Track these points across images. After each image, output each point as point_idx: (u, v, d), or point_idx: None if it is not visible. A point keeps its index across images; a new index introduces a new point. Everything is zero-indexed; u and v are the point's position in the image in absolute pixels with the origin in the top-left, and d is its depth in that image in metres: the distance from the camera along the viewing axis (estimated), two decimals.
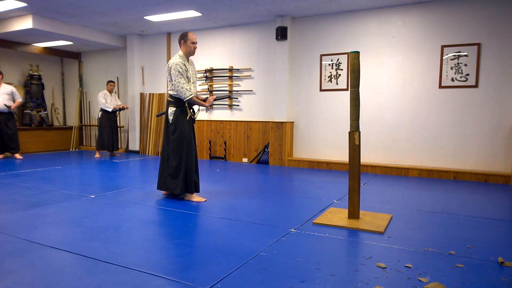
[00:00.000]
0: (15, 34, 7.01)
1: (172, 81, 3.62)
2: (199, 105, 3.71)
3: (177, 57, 3.64)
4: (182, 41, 3.67)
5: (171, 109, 3.68)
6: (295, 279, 1.97)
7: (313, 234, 2.74)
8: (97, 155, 7.48)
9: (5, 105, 6.66)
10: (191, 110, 3.76)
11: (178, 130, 3.66)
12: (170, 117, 3.68)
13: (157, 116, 4.19)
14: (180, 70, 3.55)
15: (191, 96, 3.58)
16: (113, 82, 7.58)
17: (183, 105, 3.68)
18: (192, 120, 3.78)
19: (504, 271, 2.12)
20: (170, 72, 3.60)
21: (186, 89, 3.56)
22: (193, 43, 3.67)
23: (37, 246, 2.43)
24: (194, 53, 3.73)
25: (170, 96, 3.72)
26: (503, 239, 2.69)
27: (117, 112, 7.70)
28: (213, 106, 7.36)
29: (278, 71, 6.44)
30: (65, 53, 8.89)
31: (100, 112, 7.39)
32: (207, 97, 3.87)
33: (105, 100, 7.33)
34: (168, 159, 3.71)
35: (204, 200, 3.76)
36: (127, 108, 7.65)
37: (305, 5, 5.75)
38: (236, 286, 1.89)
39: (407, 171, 5.58)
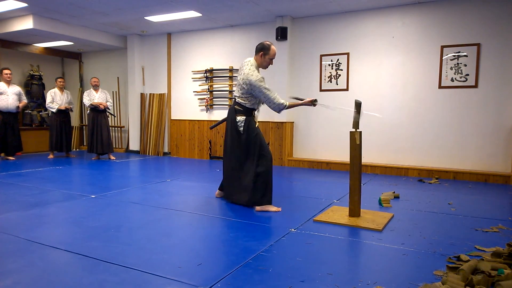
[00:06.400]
0: (15, 34, 7.03)
1: (250, 91, 3.40)
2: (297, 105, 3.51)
3: (253, 66, 3.42)
4: (261, 53, 3.42)
5: (241, 118, 3.47)
6: (295, 279, 1.98)
7: (313, 234, 2.75)
8: (50, 156, 7.20)
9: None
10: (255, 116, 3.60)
11: (252, 138, 3.46)
12: (241, 128, 3.46)
13: (211, 128, 4.03)
14: (263, 81, 3.37)
15: (286, 104, 3.37)
16: (61, 78, 7.18)
17: (251, 114, 3.52)
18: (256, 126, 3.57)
19: None
20: (250, 83, 3.35)
21: (279, 98, 3.36)
22: (271, 59, 3.48)
23: (37, 245, 2.44)
24: (265, 68, 3.54)
25: (239, 104, 3.50)
26: (503, 239, 2.70)
27: (69, 111, 7.29)
28: (213, 106, 7.38)
29: (278, 71, 6.44)
30: (65, 53, 8.91)
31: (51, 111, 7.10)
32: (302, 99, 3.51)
33: (52, 100, 6.98)
34: (244, 170, 3.48)
35: (278, 209, 3.44)
36: (70, 110, 7.24)
37: (305, 5, 5.76)
38: (236, 286, 1.90)
39: (407, 171, 5.59)
